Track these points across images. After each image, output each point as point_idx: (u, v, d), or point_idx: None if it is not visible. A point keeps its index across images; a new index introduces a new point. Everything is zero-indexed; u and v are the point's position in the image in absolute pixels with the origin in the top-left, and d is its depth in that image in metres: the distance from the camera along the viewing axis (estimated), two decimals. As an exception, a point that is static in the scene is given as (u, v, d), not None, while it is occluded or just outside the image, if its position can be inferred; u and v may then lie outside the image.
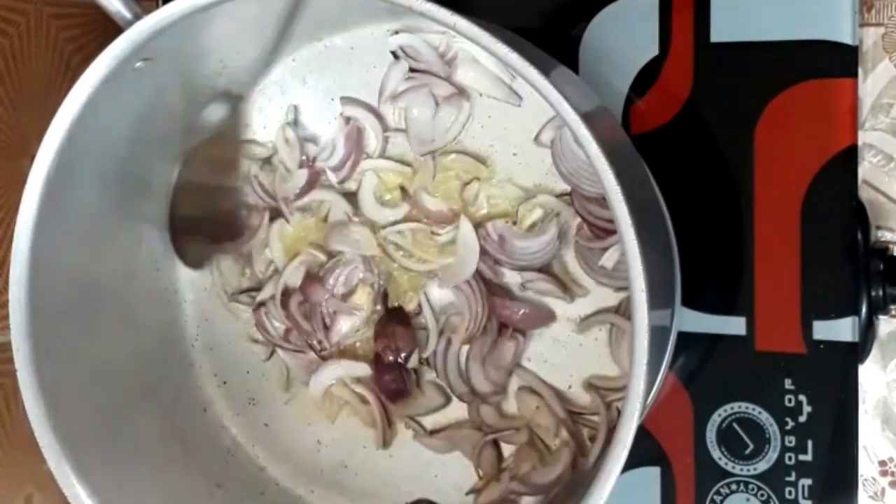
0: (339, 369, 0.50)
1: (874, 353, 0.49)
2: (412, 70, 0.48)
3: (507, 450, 0.48)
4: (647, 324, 0.35)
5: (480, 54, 0.47)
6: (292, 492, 0.51)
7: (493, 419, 0.48)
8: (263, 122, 0.51)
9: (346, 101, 0.49)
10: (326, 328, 0.50)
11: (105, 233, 0.47)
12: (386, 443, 0.50)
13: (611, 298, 0.47)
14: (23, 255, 0.41)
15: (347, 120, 0.49)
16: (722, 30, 0.49)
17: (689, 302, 0.49)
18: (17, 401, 0.50)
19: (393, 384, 0.49)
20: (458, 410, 0.49)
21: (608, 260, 0.46)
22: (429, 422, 0.50)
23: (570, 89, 0.37)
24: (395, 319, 0.49)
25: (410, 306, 0.49)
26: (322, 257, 0.50)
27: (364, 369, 0.50)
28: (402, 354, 0.48)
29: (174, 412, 0.50)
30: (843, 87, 0.48)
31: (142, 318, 0.50)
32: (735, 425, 0.49)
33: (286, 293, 0.50)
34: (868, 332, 0.48)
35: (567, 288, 0.47)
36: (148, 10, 0.40)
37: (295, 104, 0.50)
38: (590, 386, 0.47)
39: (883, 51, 0.49)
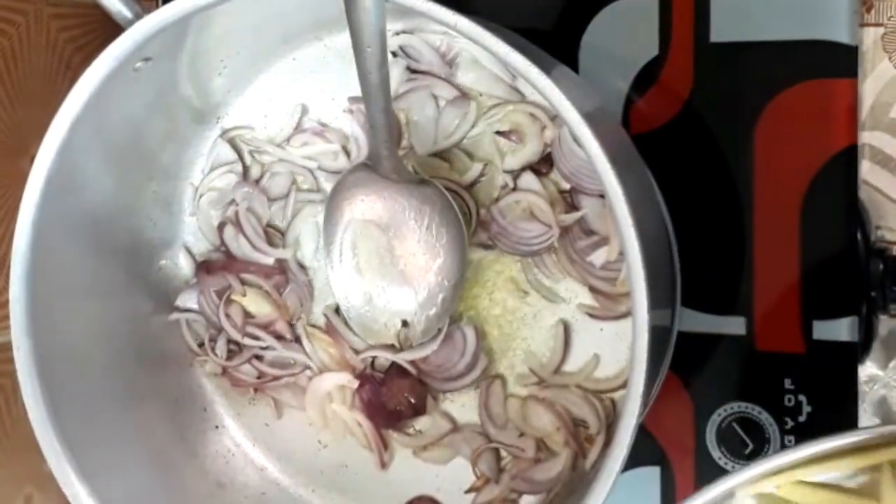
0: (325, 383, 0.50)
1: (874, 352, 0.49)
2: (413, 71, 0.48)
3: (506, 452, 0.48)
4: (647, 324, 0.36)
5: (481, 54, 0.47)
6: (293, 492, 0.51)
7: (503, 437, 0.47)
8: (264, 123, 0.51)
9: (354, 100, 0.49)
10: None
11: (105, 232, 0.47)
12: (384, 465, 0.49)
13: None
14: (23, 255, 0.41)
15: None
16: (722, 30, 0.49)
17: (689, 302, 0.50)
18: (17, 401, 0.50)
19: (392, 406, 0.49)
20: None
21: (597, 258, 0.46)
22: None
23: (571, 89, 0.37)
24: (394, 375, 0.49)
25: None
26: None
27: (350, 379, 0.50)
28: (413, 400, 0.48)
29: (174, 412, 0.50)
30: (842, 87, 0.48)
31: (143, 318, 0.50)
32: (735, 425, 0.49)
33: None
34: (868, 332, 0.48)
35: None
36: (148, 10, 0.40)
37: (296, 103, 0.50)
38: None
39: (883, 51, 0.49)
